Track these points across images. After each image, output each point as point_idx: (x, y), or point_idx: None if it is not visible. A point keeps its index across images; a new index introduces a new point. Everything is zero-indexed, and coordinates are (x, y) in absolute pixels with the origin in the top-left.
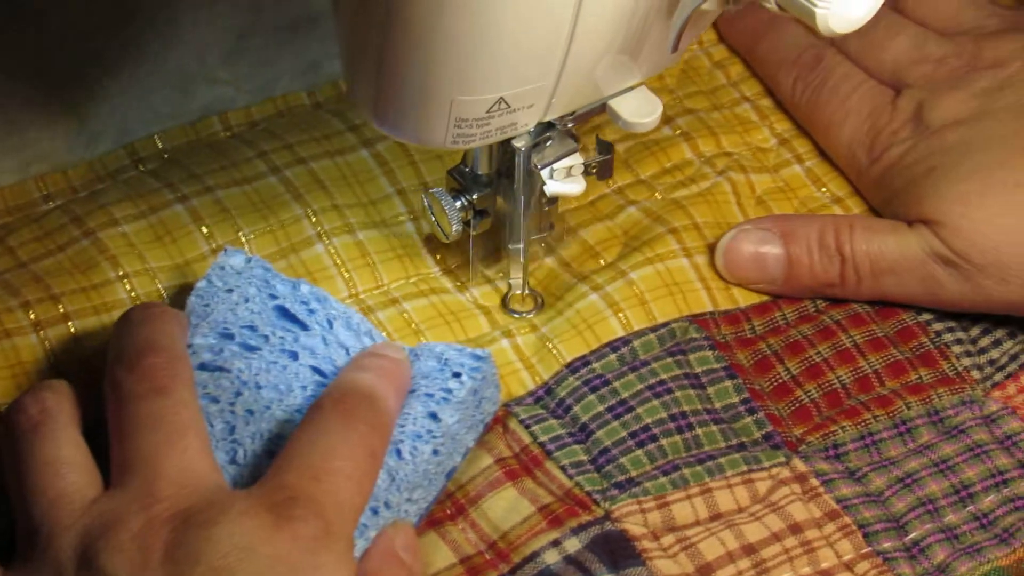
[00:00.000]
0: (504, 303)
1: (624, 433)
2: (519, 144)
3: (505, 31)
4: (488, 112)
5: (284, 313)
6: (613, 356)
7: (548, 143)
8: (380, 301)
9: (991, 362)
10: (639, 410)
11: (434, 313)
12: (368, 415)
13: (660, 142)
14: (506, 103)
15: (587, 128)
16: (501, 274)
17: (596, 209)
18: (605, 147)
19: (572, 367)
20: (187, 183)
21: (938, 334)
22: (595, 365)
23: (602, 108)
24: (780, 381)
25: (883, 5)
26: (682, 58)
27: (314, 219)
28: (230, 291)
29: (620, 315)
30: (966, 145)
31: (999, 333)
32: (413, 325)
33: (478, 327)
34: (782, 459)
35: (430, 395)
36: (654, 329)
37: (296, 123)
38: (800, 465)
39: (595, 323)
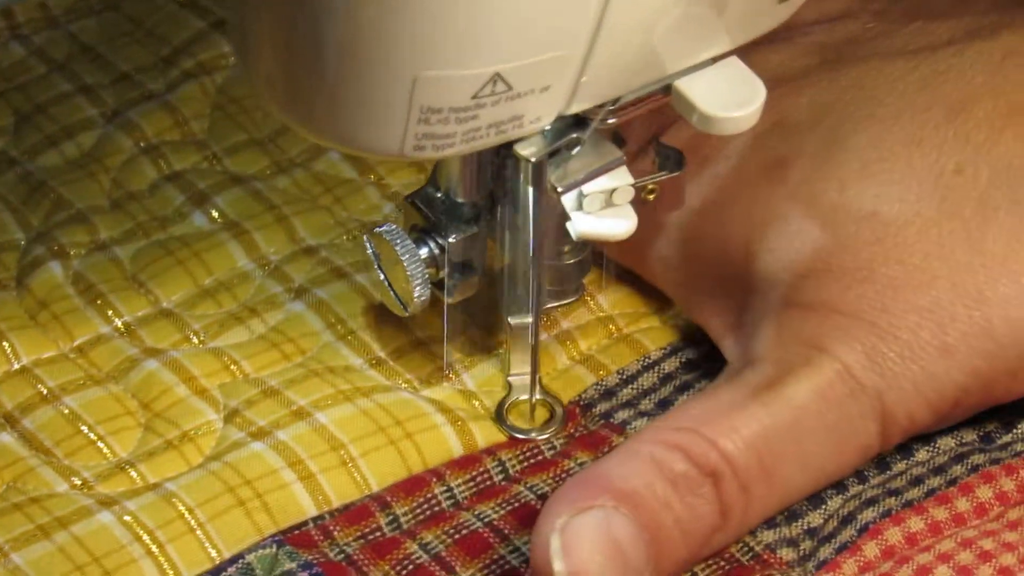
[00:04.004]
0: (500, 415)
1: None
2: (527, 152)
3: None
4: (476, 98)
5: None
6: None
7: (575, 151)
8: None
9: (810, 531)
10: None
11: None
12: None
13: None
14: (505, 83)
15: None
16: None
17: (91, 362)
18: (670, 157)
19: None
20: None
21: None
22: None
23: (665, 94)
24: None
25: None
26: None
27: None
28: None
29: (157, 555)
30: (838, 112)
31: None
32: None
33: None
34: None
35: None
36: (217, 572)
37: None
38: None
39: (115, 570)
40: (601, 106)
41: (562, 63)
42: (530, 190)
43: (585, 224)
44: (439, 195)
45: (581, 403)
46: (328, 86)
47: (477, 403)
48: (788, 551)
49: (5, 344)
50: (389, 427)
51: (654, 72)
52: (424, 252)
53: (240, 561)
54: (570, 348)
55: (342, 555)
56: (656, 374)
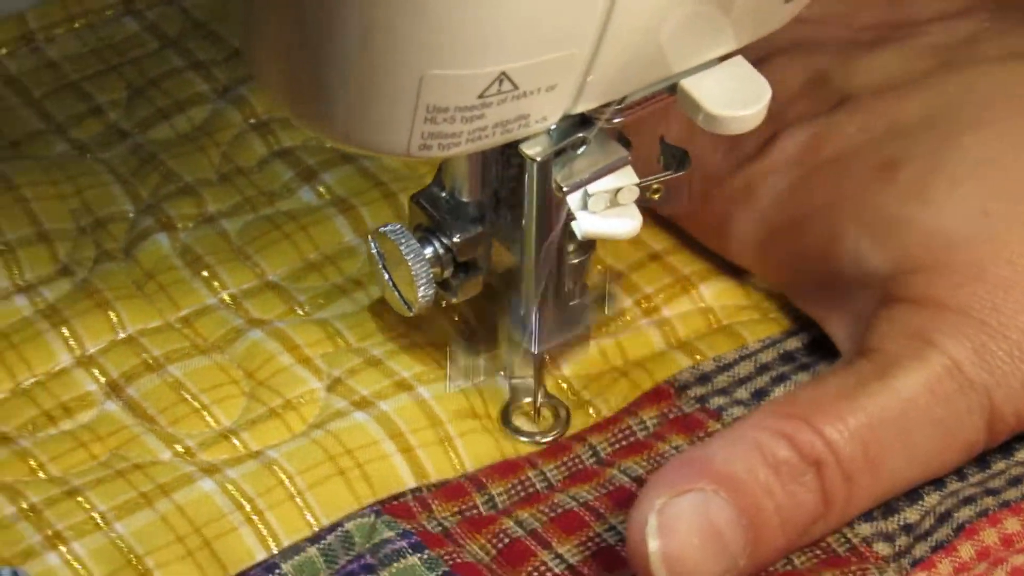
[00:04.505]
0: (505, 418)
1: None
2: (533, 152)
3: None
4: (482, 97)
5: None
6: None
7: (580, 151)
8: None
9: (907, 527)
10: None
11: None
12: None
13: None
14: (511, 82)
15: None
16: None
17: (196, 332)
18: (676, 157)
19: None
20: None
21: None
22: None
23: (671, 93)
24: (551, 573)
25: None
26: None
27: None
28: None
29: (257, 523)
30: (949, 116)
31: None
32: None
33: None
34: None
35: None
36: (316, 539)
37: None
38: None
39: (215, 538)
40: (607, 105)
41: (568, 62)
42: (535, 189)
43: (590, 223)
44: (444, 195)
45: (676, 384)
46: (334, 86)
47: (566, 384)
48: (884, 546)
49: (112, 314)
50: (484, 416)
51: (660, 71)
52: (429, 252)
53: (339, 529)
54: (668, 334)
55: (440, 527)
56: (753, 363)
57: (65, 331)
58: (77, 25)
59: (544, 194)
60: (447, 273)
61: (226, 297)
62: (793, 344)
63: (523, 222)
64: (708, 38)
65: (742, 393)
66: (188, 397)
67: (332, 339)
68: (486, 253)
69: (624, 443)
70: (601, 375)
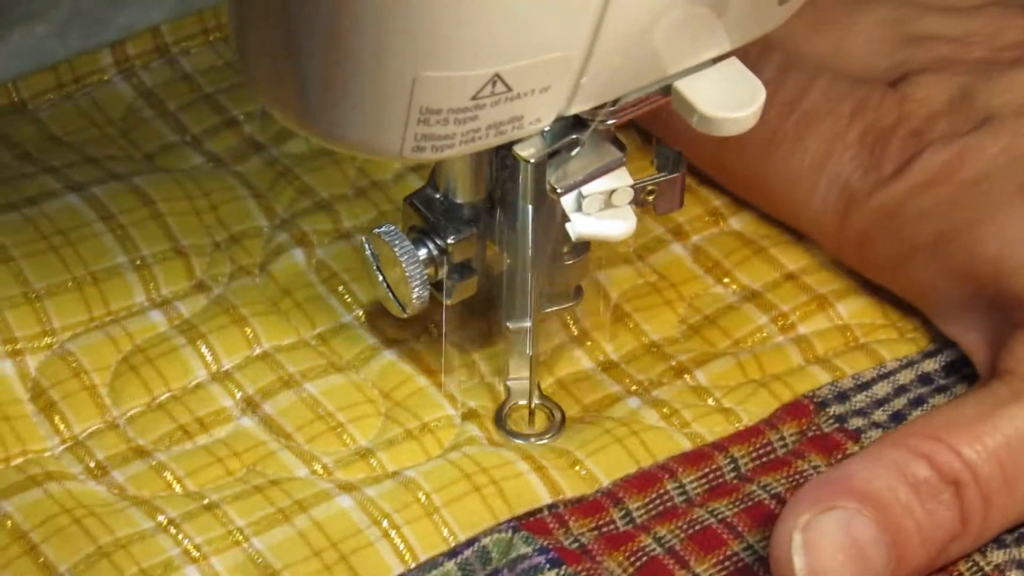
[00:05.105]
0: (499, 419)
1: None
2: (526, 154)
3: None
4: (475, 98)
5: None
6: None
7: (574, 152)
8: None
9: None
10: None
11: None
12: None
13: None
14: (505, 84)
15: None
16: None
17: (332, 349)
18: (671, 159)
19: None
20: None
21: None
22: None
23: (664, 94)
24: None
25: None
26: None
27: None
28: None
29: (394, 538)
30: None
31: None
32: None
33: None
34: None
35: None
36: (452, 554)
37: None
38: None
39: (352, 553)
40: (601, 107)
41: (562, 64)
42: (529, 191)
43: (584, 225)
44: (438, 196)
45: (815, 399)
46: (327, 87)
47: (712, 400)
48: (1018, 574)
49: (247, 330)
50: (614, 428)
51: (654, 73)
52: (423, 253)
53: (476, 544)
54: (805, 350)
55: (576, 544)
56: (891, 384)
57: (202, 346)
58: (212, 38)
59: (538, 196)
60: (441, 274)
61: (361, 315)
62: (931, 366)
63: (518, 224)
64: (702, 39)
65: (880, 415)
66: (324, 415)
67: (468, 367)
68: (480, 255)
69: (765, 459)
70: (740, 386)
